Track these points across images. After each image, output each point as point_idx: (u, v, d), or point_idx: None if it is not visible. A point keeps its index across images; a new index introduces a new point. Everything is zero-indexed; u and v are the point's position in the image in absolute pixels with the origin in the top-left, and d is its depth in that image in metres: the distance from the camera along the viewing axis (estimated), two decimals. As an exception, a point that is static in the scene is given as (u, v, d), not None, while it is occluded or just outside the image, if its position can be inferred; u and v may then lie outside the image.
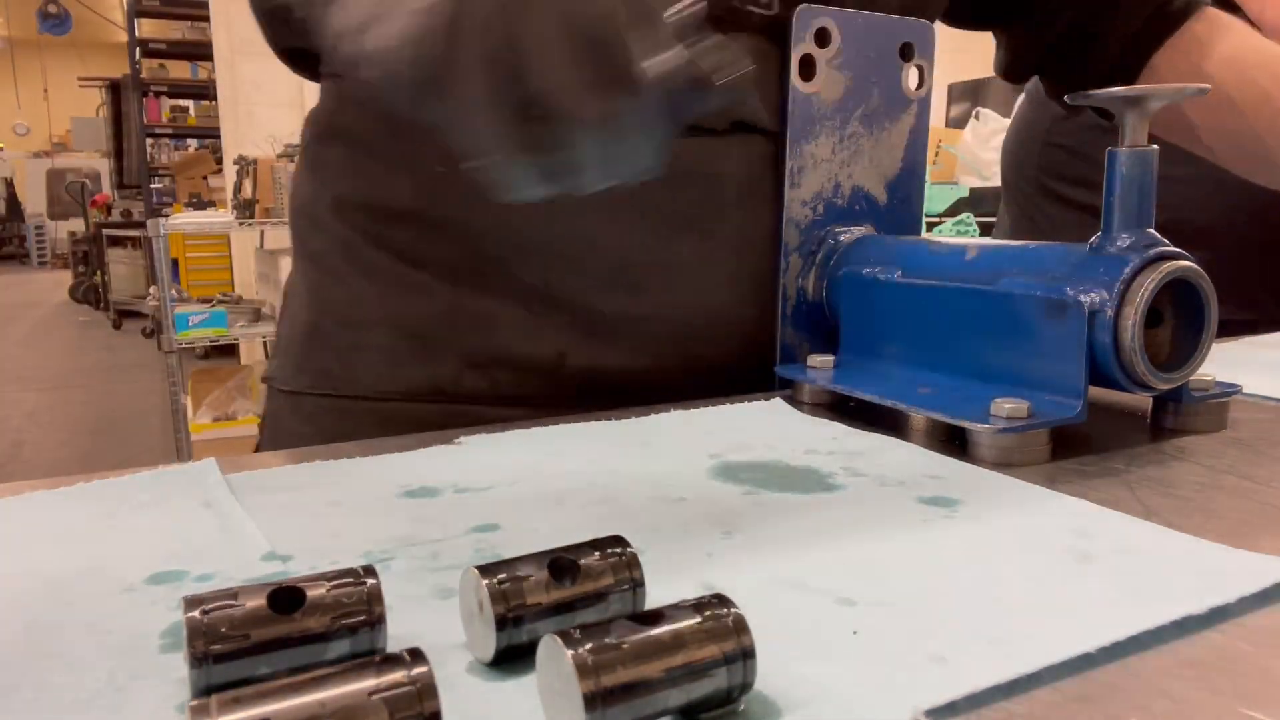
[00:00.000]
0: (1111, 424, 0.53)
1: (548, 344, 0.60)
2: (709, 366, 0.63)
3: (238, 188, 3.37)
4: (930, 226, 3.17)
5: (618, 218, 0.60)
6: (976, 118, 4.42)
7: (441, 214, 0.60)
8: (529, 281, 0.60)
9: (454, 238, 0.60)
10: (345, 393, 0.62)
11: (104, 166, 10.75)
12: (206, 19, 4.69)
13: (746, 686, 0.23)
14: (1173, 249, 0.46)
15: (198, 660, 0.24)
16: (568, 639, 0.22)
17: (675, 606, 0.23)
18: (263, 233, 3.73)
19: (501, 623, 0.26)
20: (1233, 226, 1.07)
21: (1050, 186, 1.17)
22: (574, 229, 0.59)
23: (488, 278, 0.60)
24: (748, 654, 0.23)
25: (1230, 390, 0.51)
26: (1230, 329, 0.87)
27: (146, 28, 6.54)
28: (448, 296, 0.61)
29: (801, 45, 0.60)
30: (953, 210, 3.39)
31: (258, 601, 0.25)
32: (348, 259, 0.63)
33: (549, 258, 0.60)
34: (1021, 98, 1.26)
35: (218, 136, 4.77)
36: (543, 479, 0.43)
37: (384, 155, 0.62)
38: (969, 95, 5.03)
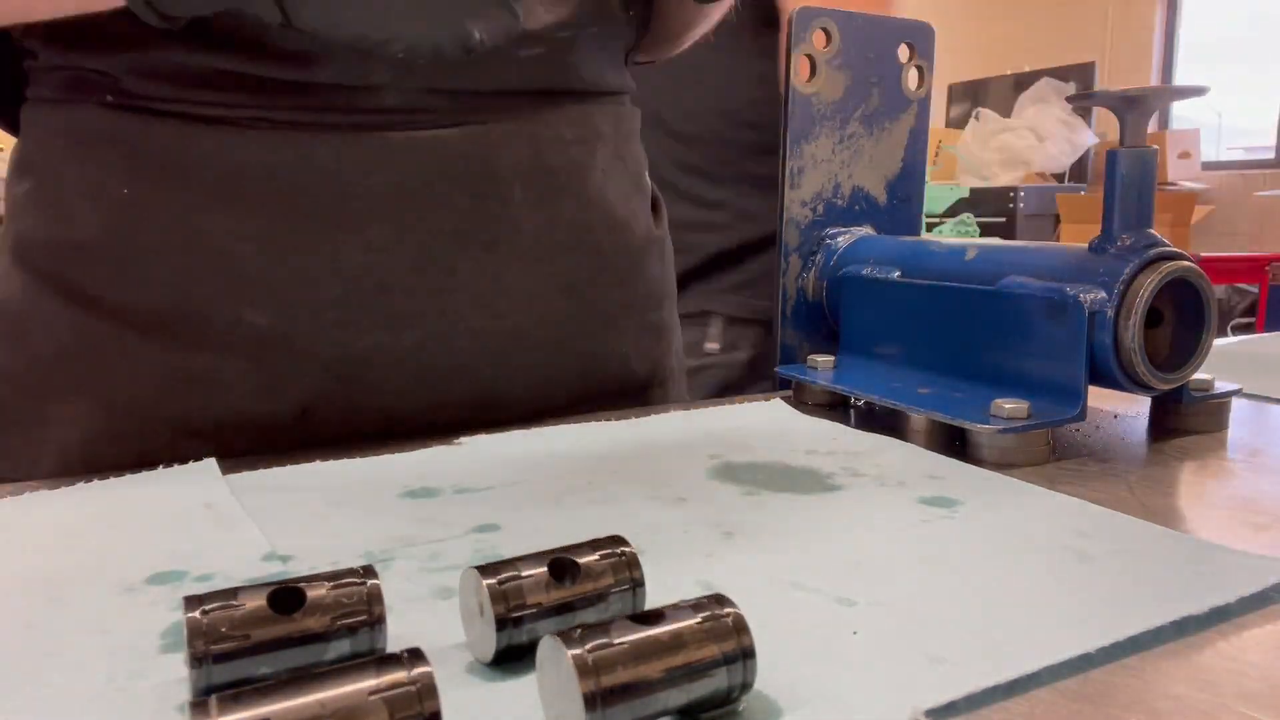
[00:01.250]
0: (1111, 424, 0.53)
1: (288, 400, 0.50)
2: (514, 399, 0.55)
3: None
4: (930, 226, 3.17)
5: (363, 237, 0.50)
6: (976, 118, 4.43)
7: (132, 248, 0.49)
8: (257, 324, 0.49)
9: (151, 279, 0.49)
10: (33, 475, 0.48)
11: None
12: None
13: (746, 686, 0.23)
14: (1173, 249, 0.46)
15: (198, 660, 0.24)
16: (568, 639, 0.22)
17: (675, 606, 0.23)
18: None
19: (502, 623, 0.25)
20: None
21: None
22: (305, 256, 0.49)
23: (200, 325, 0.49)
24: (747, 654, 0.23)
25: (1230, 390, 0.51)
26: None
27: None
28: (154, 352, 0.49)
29: (802, 45, 0.60)
30: (953, 210, 3.40)
31: (258, 601, 0.24)
32: (28, 312, 0.51)
33: (276, 295, 0.49)
34: None
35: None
36: (543, 479, 0.43)
37: (68, 180, 0.50)
38: (969, 95, 5.04)
